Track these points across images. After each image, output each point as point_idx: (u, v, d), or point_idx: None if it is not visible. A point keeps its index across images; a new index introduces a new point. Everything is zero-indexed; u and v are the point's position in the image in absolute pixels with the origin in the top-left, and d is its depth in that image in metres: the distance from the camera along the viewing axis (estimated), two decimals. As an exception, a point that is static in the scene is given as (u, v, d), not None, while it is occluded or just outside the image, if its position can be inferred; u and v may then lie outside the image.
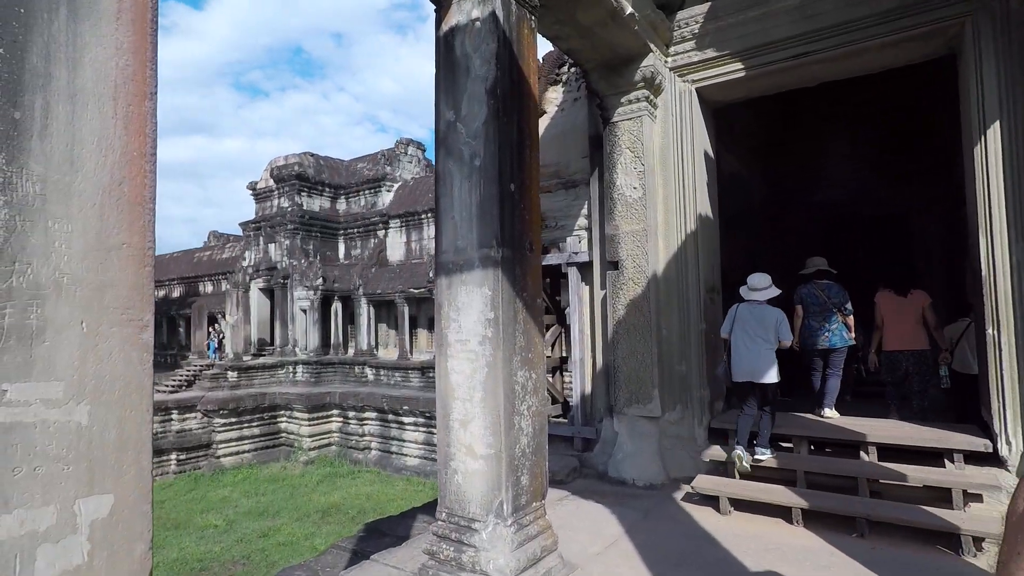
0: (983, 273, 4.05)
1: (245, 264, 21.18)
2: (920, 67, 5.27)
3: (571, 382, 6.14)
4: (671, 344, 5.21)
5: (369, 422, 18.56)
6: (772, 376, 4.52)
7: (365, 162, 23.38)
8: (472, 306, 3.15)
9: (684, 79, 5.35)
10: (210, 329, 20.75)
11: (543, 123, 6.33)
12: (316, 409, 18.39)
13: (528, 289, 3.26)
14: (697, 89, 5.34)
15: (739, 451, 4.50)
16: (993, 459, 3.98)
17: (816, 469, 4.31)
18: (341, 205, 22.90)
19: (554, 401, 6.56)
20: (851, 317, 5.37)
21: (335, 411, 19.00)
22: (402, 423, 17.82)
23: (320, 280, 20.45)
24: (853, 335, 5.38)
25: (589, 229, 5.84)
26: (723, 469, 4.68)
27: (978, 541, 3.48)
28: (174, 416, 16.72)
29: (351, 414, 18.82)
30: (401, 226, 21.73)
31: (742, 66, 5.02)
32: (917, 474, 3.97)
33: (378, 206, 22.08)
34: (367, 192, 22.56)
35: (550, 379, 6.62)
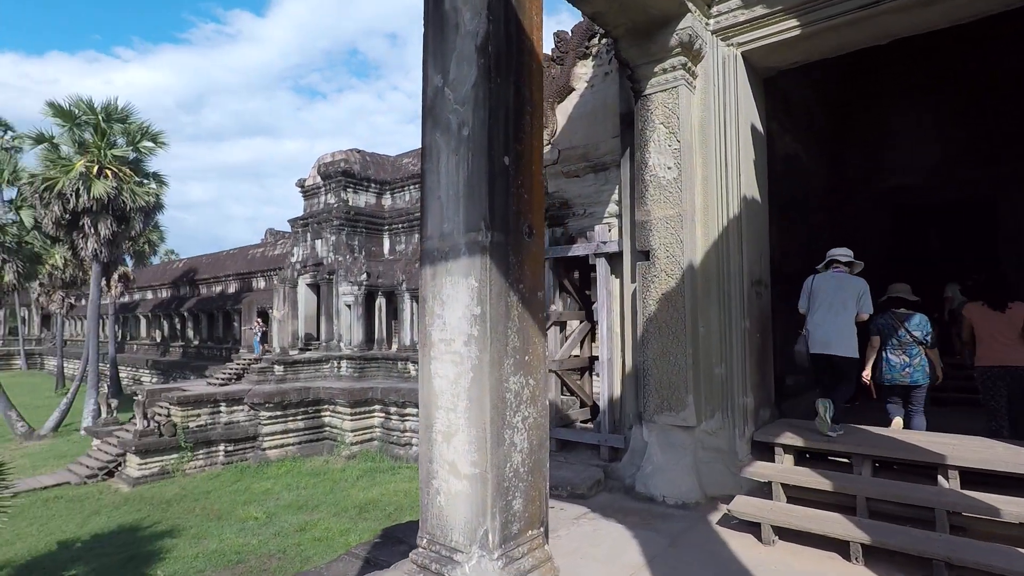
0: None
1: (293, 260, 21.54)
2: (1018, 18, 4.43)
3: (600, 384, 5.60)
4: (709, 344, 4.59)
5: (410, 418, 18.47)
6: (850, 349, 4.27)
7: (410, 157, 23.33)
8: (457, 300, 2.69)
9: (728, 43, 4.71)
10: (255, 323, 21.21)
11: (571, 102, 5.80)
12: (358, 404, 18.46)
13: (525, 280, 2.78)
14: (743, 54, 4.69)
15: (823, 401, 4.27)
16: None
17: (881, 495, 3.62)
18: (386, 200, 22.93)
19: (582, 405, 6.03)
20: (935, 351, 4.85)
21: (377, 406, 19.03)
22: (443, 420, 17.61)
23: (364, 275, 20.53)
24: (939, 371, 4.87)
25: (620, 216, 5.28)
26: (767, 490, 4.05)
27: (1096, 599, 2.76)
28: (222, 408, 17.12)
29: (393, 410, 18.80)
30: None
31: (797, 23, 4.34)
32: (1014, 508, 3.24)
33: (422, 201, 21.95)
34: (412, 187, 22.49)
35: (579, 380, 6.10)
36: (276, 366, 18.71)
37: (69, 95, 21.03)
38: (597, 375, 5.58)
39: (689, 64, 4.63)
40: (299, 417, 18.10)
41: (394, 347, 21.21)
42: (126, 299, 30.69)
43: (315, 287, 21.11)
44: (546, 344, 2.87)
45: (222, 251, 29.78)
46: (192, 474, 16.33)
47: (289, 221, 22.37)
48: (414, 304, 20.95)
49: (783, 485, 3.92)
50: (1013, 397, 4.52)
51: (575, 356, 6.01)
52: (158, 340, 30.88)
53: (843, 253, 4.73)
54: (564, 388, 5.97)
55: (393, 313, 21.46)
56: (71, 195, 18.59)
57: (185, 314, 28.54)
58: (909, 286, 5.08)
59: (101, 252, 19.79)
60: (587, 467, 5.07)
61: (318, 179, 21.52)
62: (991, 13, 4.05)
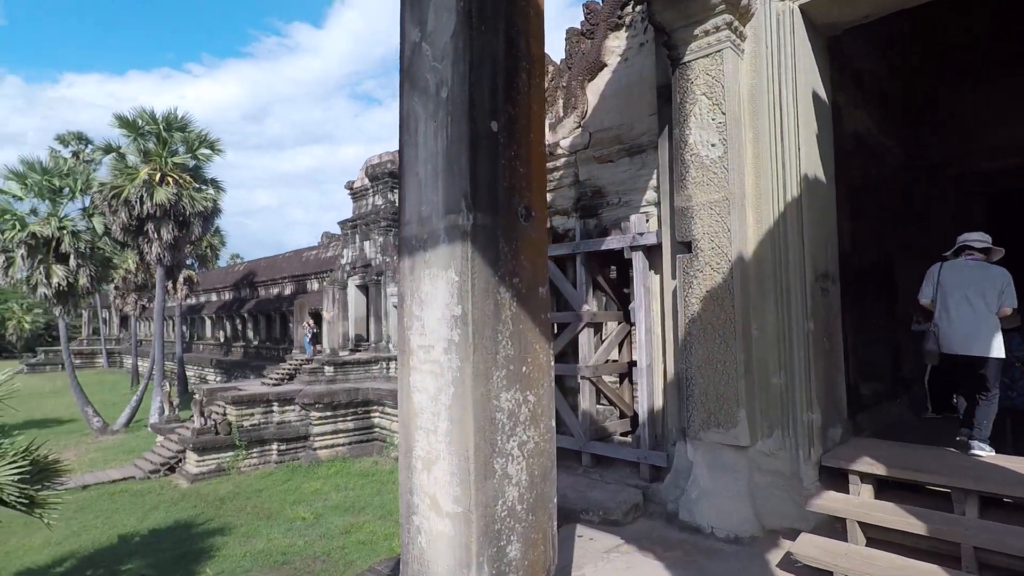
0: None
1: (343, 262, 21.77)
2: None
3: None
4: (764, 349, 3.92)
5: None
6: (995, 348, 3.76)
7: (457, 157, 23.15)
8: (436, 298, 2.21)
9: (783, -3, 4.02)
10: (306, 324, 21.57)
11: (603, 79, 5.22)
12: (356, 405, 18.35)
13: (522, 273, 2.26)
14: (801, 7, 3.98)
15: (973, 440, 3.77)
16: None
17: (997, 546, 2.87)
18: (434, 201, 22.83)
19: (622, 415, 5.44)
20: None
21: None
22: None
23: (412, 276, 20.46)
24: None
25: (658, 204, 4.66)
26: (840, 527, 3.35)
27: None
28: (275, 408, 17.40)
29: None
30: (492, 220, 21.22)
31: (867, -36, 3.62)
32: None
33: (469, 201, 21.75)
34: (458, 187, 22.30)
35: (617, 387, 5.51)
36: (327, 367, 18.90)
37: (133, 107, 22.04)
38: (635, 382, 4.98)
39: (736, 24, 3.97)
40: (349, 418, 18.17)
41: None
42: (192, 301, 32.10)
43: (364, 288, 21.24)
44: (551, 351, 2.35)
45: (279, 254, 30.65)
46: (247, 472, 16.67)
47: (339, 223, 22.65)
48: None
49: (861, 524, 3.22)
50: None
51: (612, 361, 5.43)
52: (221, 340, 32.14)
53: (979, 239, 4.07)
54: (600, 397, 5.39)
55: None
56: (136, 202, 19.43)
57: (245, 315, 29.54)
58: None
59: (164, 256, 20.62)
60: (623, 488, 4.49)
61: (365, 181, 21.65)
62: None
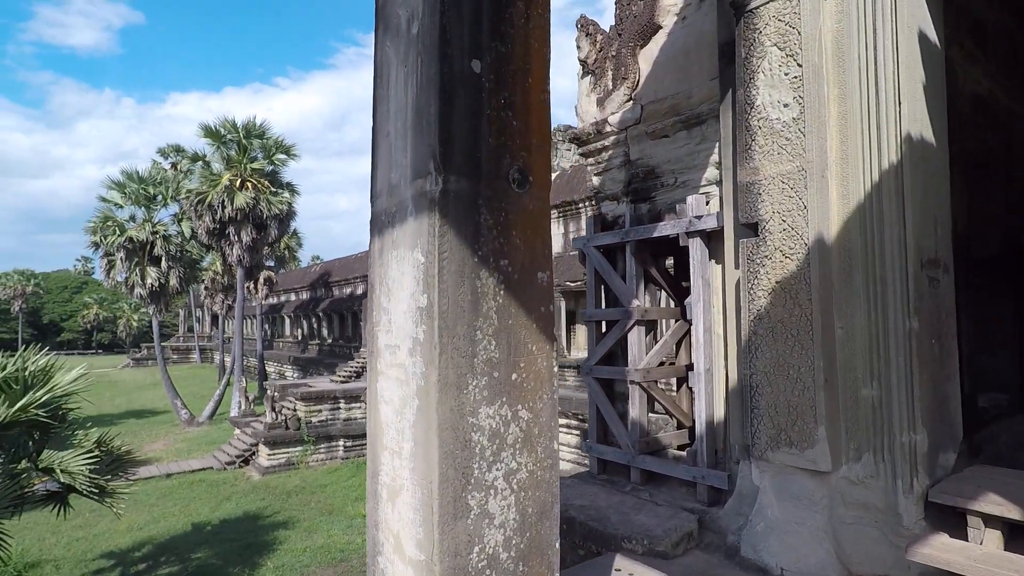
0: None
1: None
2: None
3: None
4: (851, 353, 3.17)
5: (522, 421, 17.88)
6: None
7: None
8: (403, 286, 1.75)
9: (875, -81, 3.25)
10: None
11: (656, 43, 4.59)
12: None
13: (512, 253, 1.76)
14: (899, -70, 3.20)
15: None
16: None
17: None
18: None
19: (680, 426, 4.78)
20: None
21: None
22: (568, 426, 16.80)
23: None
24: None
25: (720, 183, 3.99)
26: (954, 584, 2.59)
27: None
28: (341, 405, 17.71)
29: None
30: (559, 216, 20.68)
31: None
32: None
33: (533, 197, 21.37)
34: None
35: (674, 393, 4.86)
36: (392, 365, 19.06)
37: (217, 117, 23.31)
38: (693, 389, 4.31)
39: (815, -44, 3.25)
40: (412, 416, 18.23)
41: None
42: (272, 301, 33.72)
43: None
44: (553, 355, 1.83)
45: (352, 255, 31.54)
46: (314, 467, 17.07)
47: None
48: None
49: (983, 584, 2.46)
50: None
51: (669, 364, 4.78)
52: (299, 338, 33.53)
53: None
54: (654, 404, 4.76)
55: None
56: (218, 206, 20.49)
57: (320, 314, 30.61)
58: None
59: (243, 257, 21.63)
60: (676, 512, 3.85)
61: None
62: None
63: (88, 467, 7.63)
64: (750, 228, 3.46)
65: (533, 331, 1.81)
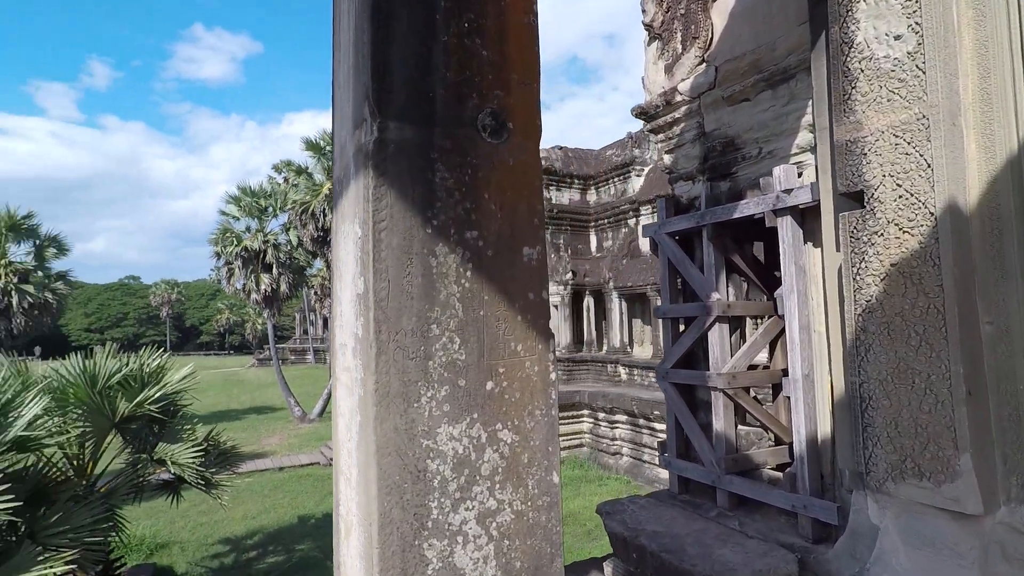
0: None
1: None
2: None
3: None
4: (1005, 356, 2.38)
5: (619, 426, 17.13)
6: None
7: (614, 148, 22.05)
8: (347, 268, 1.38)
9: None
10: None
11: (735, -9, 3.91)
12: (566, 408, 17.65)
13: (484, 222, 1.33)
14: None
15: None
16: None
17: None
18: (591, 196, 22.16)
19: (778, 442, 4.05)
20: None
21: (585, 411, 18.14)
22: (653, 429, 15.89)
23: (569, 275, 20.05)
24: None
25: (814, 149, 3.26)
26: None
27: None
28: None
29: (601, 415, 17.69)
30: (652, 212, 19.71)
31: None
32: None
33: (628, 193, 20.57)
34: (616, 180, 21.28)
35: (769, 402, 4.13)
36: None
37: (318, 131, 24.80)
38: (788, 398, 3.58)
39: None
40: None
41: (603, 349, 20.15)
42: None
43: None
44: (549, 355, 1.38)
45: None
46: (411, 466, 17.37)
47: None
48: (623, 303, 19.71)
49: None
50: None
51: (763, 367, 4.08)
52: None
53: None
54: (744, 415, 4.07)
55: (602, 313, 20.42)
56: (320, 214, 21.64)
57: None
58: None
59: (345, 263, 22.71)
60: (770, 548, 3.18)
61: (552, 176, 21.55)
62: None
63: (196, 460, 8.13)
64: (853, 198, 2.75)
65: (517, 325, 1.37)
